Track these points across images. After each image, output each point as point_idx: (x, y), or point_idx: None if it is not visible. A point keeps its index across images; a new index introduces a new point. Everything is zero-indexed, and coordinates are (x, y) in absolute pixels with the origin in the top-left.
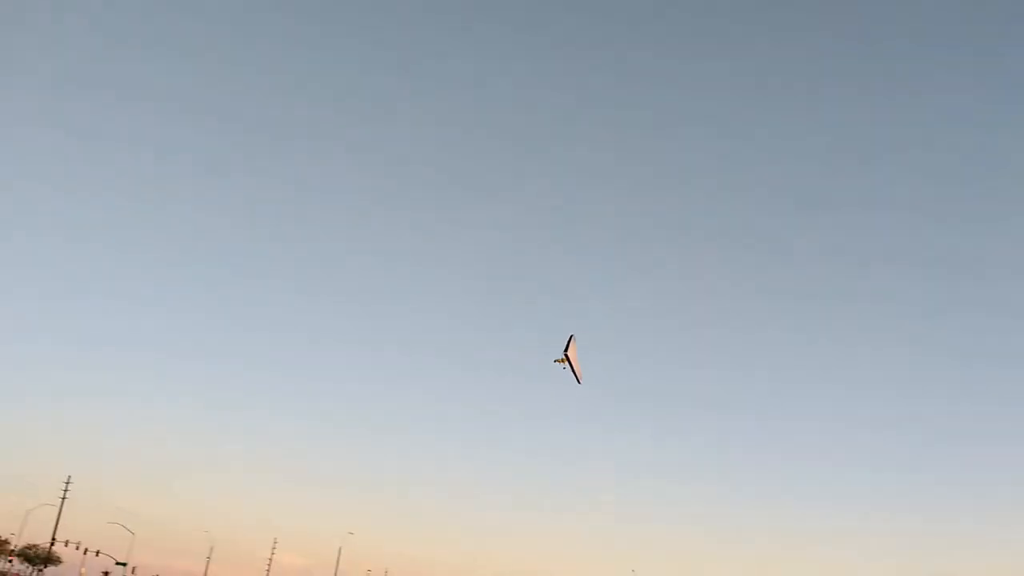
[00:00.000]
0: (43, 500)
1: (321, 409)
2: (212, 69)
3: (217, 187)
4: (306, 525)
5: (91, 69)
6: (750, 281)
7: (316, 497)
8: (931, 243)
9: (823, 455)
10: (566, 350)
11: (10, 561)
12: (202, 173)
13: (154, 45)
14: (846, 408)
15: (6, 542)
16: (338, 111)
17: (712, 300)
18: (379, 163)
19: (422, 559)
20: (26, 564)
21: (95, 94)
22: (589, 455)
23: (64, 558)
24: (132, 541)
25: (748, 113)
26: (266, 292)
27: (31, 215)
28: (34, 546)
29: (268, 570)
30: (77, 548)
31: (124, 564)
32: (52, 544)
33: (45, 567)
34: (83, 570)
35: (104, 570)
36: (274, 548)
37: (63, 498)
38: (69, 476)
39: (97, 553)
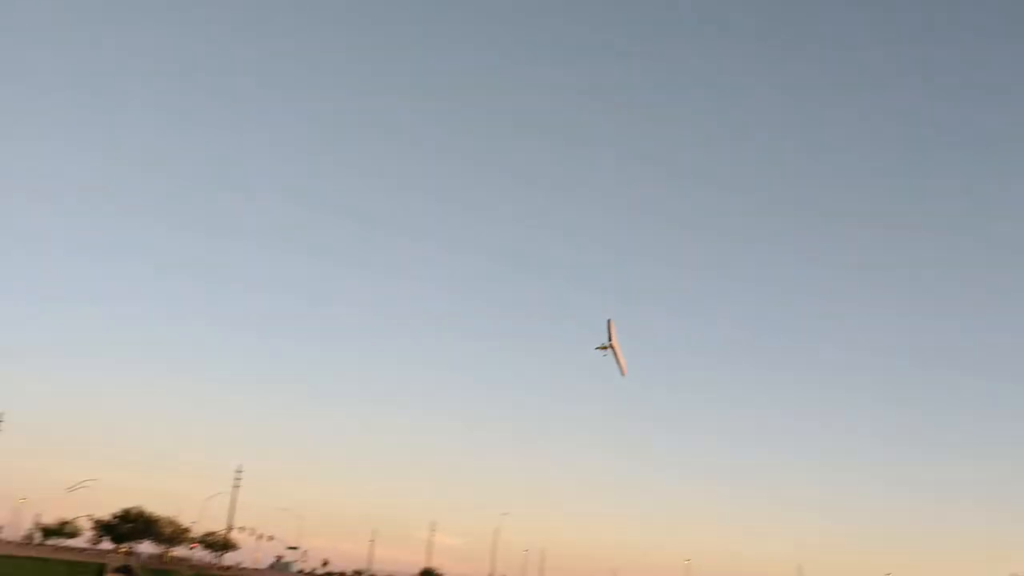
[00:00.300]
0: (216, 489)
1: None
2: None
3: None
4: (463, 507)
5: None
6: None
7: (472, 483)
8: None
9: None
10: (609, 338)
11: (192, 548)
12: None
13: None
14: None
15: (187, 530)
16: None
17: None
18: None
19: (577, 542)
20: (207, 550)
21: None
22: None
23: (239, 543)
24: (302, 526)
25: None
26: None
27: None
28: (213, 533)
29: (428, 550)
30: (251, 534)
31: (295, 548)
32: (229, 531)
33: (224, 552)
34: (258, 555)
35: (277, 554)
36: (433, 530)
37: (236, 486)
38: (240, 464)
39: (271, 538)
